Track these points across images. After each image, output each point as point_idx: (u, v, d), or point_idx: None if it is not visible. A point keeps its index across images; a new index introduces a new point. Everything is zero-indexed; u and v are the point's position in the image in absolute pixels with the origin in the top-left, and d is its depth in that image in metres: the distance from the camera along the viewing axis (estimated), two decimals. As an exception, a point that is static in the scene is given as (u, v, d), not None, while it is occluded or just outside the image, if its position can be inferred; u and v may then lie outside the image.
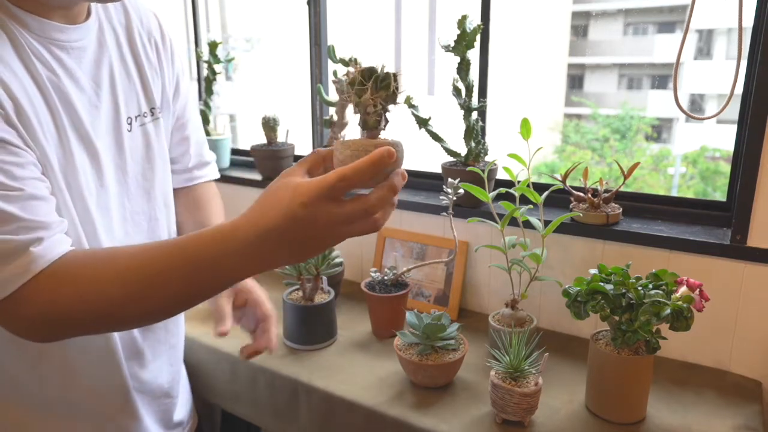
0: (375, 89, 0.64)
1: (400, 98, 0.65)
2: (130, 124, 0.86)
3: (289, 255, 0.61)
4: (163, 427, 0.99)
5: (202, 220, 1.04)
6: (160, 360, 0.95)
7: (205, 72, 1.88)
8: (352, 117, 1.54)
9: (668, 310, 0.90)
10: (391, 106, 0.64)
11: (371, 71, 0.64)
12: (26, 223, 0.64)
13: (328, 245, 0.61)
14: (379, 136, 0.65)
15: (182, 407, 1.06)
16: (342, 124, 1.53)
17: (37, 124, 0.70)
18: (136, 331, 0.90)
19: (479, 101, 1.39)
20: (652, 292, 0.93)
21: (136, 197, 0.88)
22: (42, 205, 0.67)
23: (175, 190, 1.02)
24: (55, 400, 0.84)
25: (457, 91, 1.33)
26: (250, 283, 0.98)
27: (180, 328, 1.02)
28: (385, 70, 0.64)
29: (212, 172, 1.10)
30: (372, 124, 0.64)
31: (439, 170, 1.41)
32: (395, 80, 0.64)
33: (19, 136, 0.68)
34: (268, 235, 0.58)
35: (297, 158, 1.72)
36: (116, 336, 0.86)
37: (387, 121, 0.66)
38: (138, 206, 0.89)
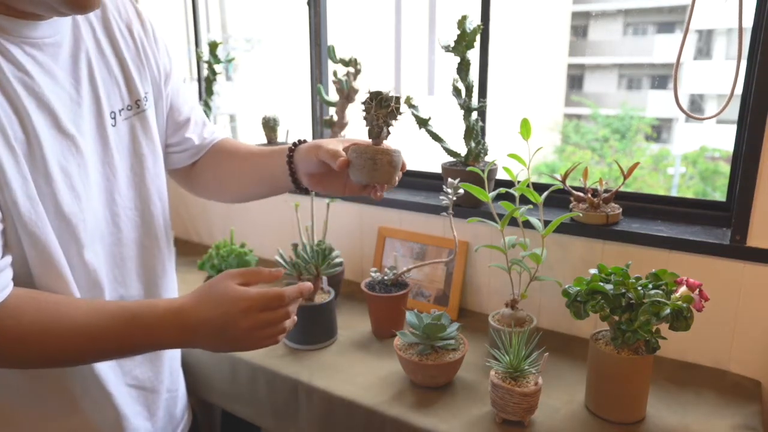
0: (378, 107, 0.83)
1: (400, 117, 0.85)
2: (114, 118, 0.84)
3: (207, 342, 0.78)
4: (153, 421, 0.98)
5: (245, 156, 1.02)
6: (148, 355, 0.95)
7: (205, 72, 1.88)
8: (352, 117, 1.54)
9: (668, 310, 0.90)
10: (393, 121, 0.84)
11: (378, 94, 0.83)
12: None
13: (239, 346, 0.79)
14: (383, 143, 0.84)
15: (175, 403, 1.05)
16: (342, 124, 1.53)
17: (8, 127, 0.68)
18: None
19: (479, 101, 1.39)
20: (652, 292, 0.93)
21: (126, 192, 0.87)
22: None
23: (195, 164, 1.05)
24: (46, 391, 0.83)
25: (457, 91, 1.33)
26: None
27: None
28: (390, 94, 0.83)
29: (220, 133, 1.08)
30: (375, 134, 0.84)
31: (439, 170, 1.41)
32: (396, 102, 0.83)
33: None
34: (204, 324, 0.76)
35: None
36: None
37: (389, 133, 0.85)
38: (129, 201, 0.88)
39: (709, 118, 1.16)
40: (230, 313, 0.76)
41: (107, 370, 0.86)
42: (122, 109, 0.85)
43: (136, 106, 0.88)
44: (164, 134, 0.97)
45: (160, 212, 0.94)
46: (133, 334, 0.75)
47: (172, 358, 1.02)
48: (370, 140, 0.85)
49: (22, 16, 0.71)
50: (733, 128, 1.19)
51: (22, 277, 0.74)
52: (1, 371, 0.80)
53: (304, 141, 0.93)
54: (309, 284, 0.83)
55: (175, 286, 1.02)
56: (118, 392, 0.88)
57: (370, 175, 0.83)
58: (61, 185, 0.75)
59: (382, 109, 0.82)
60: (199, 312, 0.77)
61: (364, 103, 0.84)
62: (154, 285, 0.94)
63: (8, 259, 0.71)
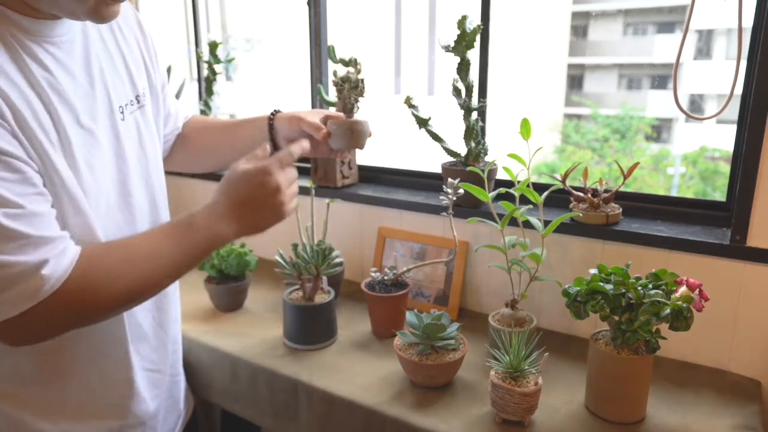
0: (351, 89, 1.15)
1: (365, 95, 1.23)
2: (122, 113, 0.87)
3: (253, 213, 0.83)
4: (159, 400, 1.02)
5: (220, 128, 1.15)
6: (157, 339, 0.99)
7: (205, 72, 1.88)
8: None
9: (668, 310, 0.90)
10: (360, 98, 1.20)
11: (347, 78, 1.19)
12: (31, 240, 0.67)
13: (276, 210, 0.84)
14: (354, 117, 1.15)
15: (177, 388, 1.09)
16: (342, 124, 1.53)
17: (39, 131, 0.71)
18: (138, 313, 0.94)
19: (479, 101, 1.39)
20: (652, 292, 0.93)
21: (137, 184, 0.91)
22: (44, 220, 0.70)
23: (174, 146, 1.14)
24: (65, 374, 0.86)
25: (457, 91, 1.33)
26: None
27: (171, 312, 1.03)
28: (356, 77, 1.17)
29: (188, 112, 1.18)
30: (348, 110, 1.17)
31: (439, 170, 1.41)
32: (363, 84, 1.18)
33: (22, 147, 0.69)
34: (244, 199, 0.82)
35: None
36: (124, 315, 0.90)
37: (358, 108, 1.19)
38: (140, 192, 0.92)
39: (709, 118, 1.16)
40: (257, 179, 0.83)
41: (133, 355, 0.92)
42: (127, 103, 0.89)
43: (137, 101, 0.91)
44: (161, 131, 1.03)
45: (163, 201, 0.99)
46: (196, 234, 0.80)
47: (174, 342, 1.06)
48: (342, 113, 1.08)
49: (42, 16, 0.74)
50: (733, 128, 1.19)
51: None
52: (58, 358, 0.84)
53: (279, 111, 1.08)
54: (305, 144, 0.91)
55: None
56: (138, 376, 0.94)
57: (348, 143, 1.03)
58: (88, 178, 0.79)
59: (353, 90, 1.14)
60: (232, 193, 0.83)
61: (336, 85, 1.19)
62: None
63: (67, 235, 0.74)
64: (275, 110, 1.08)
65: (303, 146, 0.89)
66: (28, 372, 0.82)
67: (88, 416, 0.89)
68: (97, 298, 0.73)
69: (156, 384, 1.00)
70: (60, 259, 0.69)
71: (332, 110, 1.61)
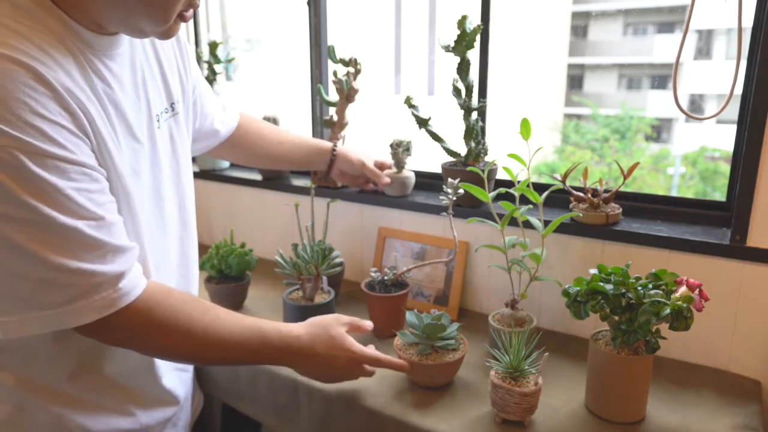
0: (402, 151, 1.39)
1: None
2: (158, 120, 0.90)
3: (307, 369, 0.94)
4: (180, 394, 1.05)
5: (278, 141, 1.32)
6: None
7: (205, 72, 1.88)
8: (352, 117, 1.54)
9: (668, 310, 0.90)
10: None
11: (400, 143, 1.40)
12: (110, 248, 0.73)
13: (327, 379, 0.96)
14: (403, 171, 1.43)
15: (188, 384, 1.11)
16: (342, 124, 1.53)
17: (110, 141, 0.76)
18: None
19: (479, 101, 1.39)
20: (652, 292, 0.93)
21: (168, 189, 0.93)
22: (119, 229, 0.75)
23: (222, 145, 1.23)
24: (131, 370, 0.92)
25: (457, 91, 1.33)
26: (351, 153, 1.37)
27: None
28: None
29: (234, 115, 1.25)
30: (399, 164, 1.42)
31: (439, 170, 1.41)
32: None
33: (97, 159, 0.74)
34: (314, 356, 0.92)
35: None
36: None
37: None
38: (171, 197, 0.94)
39: (709, 118, 1.16)
40: (340, 357, 0.93)
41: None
42: (162, 111, 0.91)
43: (171, 108, 0.94)
44: (191, 135, 1.05)
45: (191, 205, 1.02)
46: (262, 351, 0.88)
47: None
48: (387, 161, 1.42)
49: (105, 32, 0.76)
50: (733, 128, 1.19)
51: None
52: (98, 361, 0.89)
53: (336, 145, 1.34)
54: (406, 364, 1.02)
55: (198, 274, 1.09)
56: (169, 376, 1.00)
57: (397, 192, 1.43)
58: (135, 187, 0.83)
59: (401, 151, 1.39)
60: (314, 344, 0.92)
61: (392, 148, 1.38)
62: (188, 273, 1.02)
63: (137, 248, 0.79)
64: (335, 144, 1.33)
65: (402, 366, 1.01)
66: (69, 371, 0.86)
67: (125, 411, 0.92)
68: (158, 325, 0.79)
69: (182, 382, 1.03)
70: (134, 276, 0.76)
71: (333, 112, 1.62)
